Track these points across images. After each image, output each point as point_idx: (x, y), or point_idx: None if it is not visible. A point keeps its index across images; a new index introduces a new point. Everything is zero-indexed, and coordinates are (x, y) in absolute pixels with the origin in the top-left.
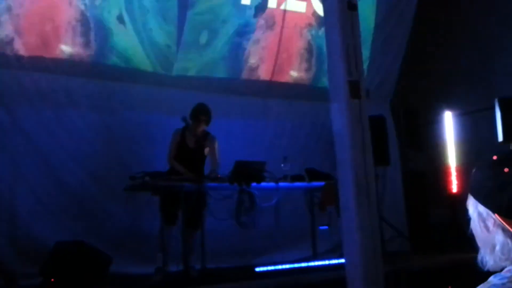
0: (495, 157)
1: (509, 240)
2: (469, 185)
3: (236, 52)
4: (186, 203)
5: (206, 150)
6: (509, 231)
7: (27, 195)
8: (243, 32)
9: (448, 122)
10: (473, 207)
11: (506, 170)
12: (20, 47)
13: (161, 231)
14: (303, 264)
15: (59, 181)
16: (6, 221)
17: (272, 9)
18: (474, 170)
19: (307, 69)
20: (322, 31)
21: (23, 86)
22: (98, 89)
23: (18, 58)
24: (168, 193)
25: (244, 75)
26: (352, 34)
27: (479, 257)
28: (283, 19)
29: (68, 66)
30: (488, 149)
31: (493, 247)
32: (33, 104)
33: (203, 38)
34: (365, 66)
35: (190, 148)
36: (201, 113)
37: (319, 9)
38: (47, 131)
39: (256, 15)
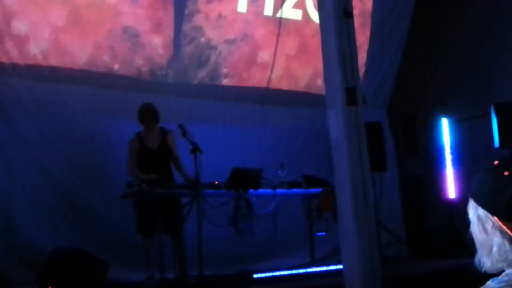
0: (496, 162)
1: (506, 242)
2: (470, 189)
3: (233, 58)
4: (162, 211)
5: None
6: (506, 233)
7: (24, 202)
8: (239, 38)
9: (445, 128)
10: (473, 210)
11: (506, 173)
12: (18, 56)
13: (144, 246)
14: (301, 271)
15: (56, 188)
16: (4, 228)
17: (268, 16)
18: (475, 175)
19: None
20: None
21: (20, 94)
22: (94, 96)
23: (15, 66)
24: (142, 203)
25: (240, 82)
26: (348, 41)
27: (476, 259)
28: (279, 27)
29: (64, 74)
30: (484, 155)
31: (491, 248)
32: (29, 111)
33: (199, 44)
34: (361, 72)
35: (152, 149)
36: (148, 113)
37: (315, 17)
38: (43, 138)
39: (251, 21)
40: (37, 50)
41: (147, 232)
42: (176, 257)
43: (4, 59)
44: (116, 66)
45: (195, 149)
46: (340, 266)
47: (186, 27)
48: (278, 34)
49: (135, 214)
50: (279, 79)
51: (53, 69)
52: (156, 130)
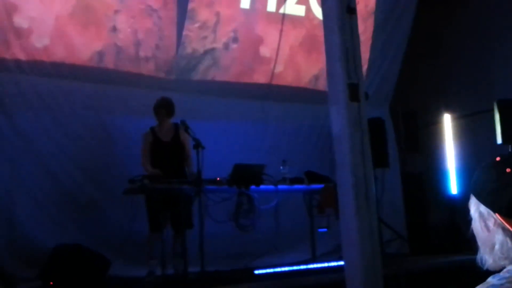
0: (498, 158)
1: (508, 239)
2: (471, 186)
3: (236, 54)
4: (172, 206)
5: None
6: (509, 230)
7: (25, 198)
8: (242, 34)
9: (447, 124)
10: (475, 207)
11: (508, 170)
12: (19, 51)
13: (150, 240)
14: (302, 267)
15: (58, 185)
16: (5, 224)
17: (271, 12)
18: (476, 171)
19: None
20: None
21: (22, 89)
22: (97, 92)
23: (17, 62)
24: (150, 198)
25: (243, 78)
26: (352, 37)
27: (478, 257)
28: (282, 23)
29: (67, 69)
30: (487, 151)
31: (493, 246)
32: (31, 107)
33: (202, 40)
34: (363, 69)
35: (165, 142)
36: (160, 106)
37: (318, 13)
38: (45, 134)
39: (255, 17)
40: (39, 45)
41: (153, 227)
42: (176, 253)
43: (6, 55)
44: (119, 63)
45: (198, 145)
46: (341, 263)
47: (189, 23)
48: (281, 30)
49: (146, 211)
50: (281, 75)
51: (55, 65)
52: (169, 125)
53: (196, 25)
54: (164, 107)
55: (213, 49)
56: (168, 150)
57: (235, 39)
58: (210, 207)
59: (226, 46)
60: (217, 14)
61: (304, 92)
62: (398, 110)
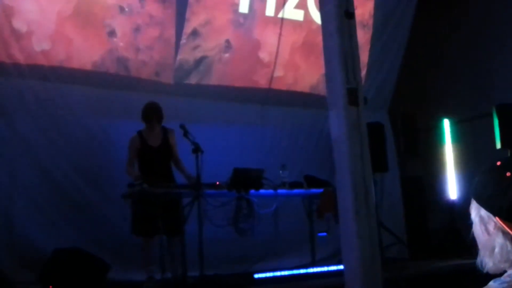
0: (499, 163)
1: (508, 243)
2: (472, 190)
3: (234, 58)
4: (162, 211)
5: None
6: (508, 233)
7: (25, 202)
8: (241, 38)
9: (446, 129)
10: (476, 211)
11: (508, 174)
12: (19, 55)
13: (145, 246)
14: (302, 271)
15: (57, 188)
16: (4, 228)
17: (269, 16)
18: (477, 176)
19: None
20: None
21: (22, 94)
22: (96, 97)
23: (17, 65)
24: (142, 203)
25: (241, 82)
26: (350, 42)
27: (478, 260)
28: (281, 27)
29: (66, 73)
30: (485, 156)
31: (493, 249)
32: (31, 111)
33: (201, 44)
34: (362, 73)
35: (154, 147)
36: (150, 113)
37: (317, 17)
38: (45, 138)
39: (253, 22)
40: (39, 49)
41: (148, 232)
42: (172, 257)
43: (6, 59)
44: (119, 67)
45: (197, 149)
46: (341, 267)
47: (188, 27)
48: (280, 35)
49: (132, 213)
50: (281, 80)
51: (55, 69)
52: (158, 129)
53: (195, 29)
54: (155, 113)
55: (211, 53)
56: (157, 154)
57: (233, 43)
58: (209, 211)
59: (225, 50)
60: (216, 18)
61: (303, 96)
62: (397, 114)
